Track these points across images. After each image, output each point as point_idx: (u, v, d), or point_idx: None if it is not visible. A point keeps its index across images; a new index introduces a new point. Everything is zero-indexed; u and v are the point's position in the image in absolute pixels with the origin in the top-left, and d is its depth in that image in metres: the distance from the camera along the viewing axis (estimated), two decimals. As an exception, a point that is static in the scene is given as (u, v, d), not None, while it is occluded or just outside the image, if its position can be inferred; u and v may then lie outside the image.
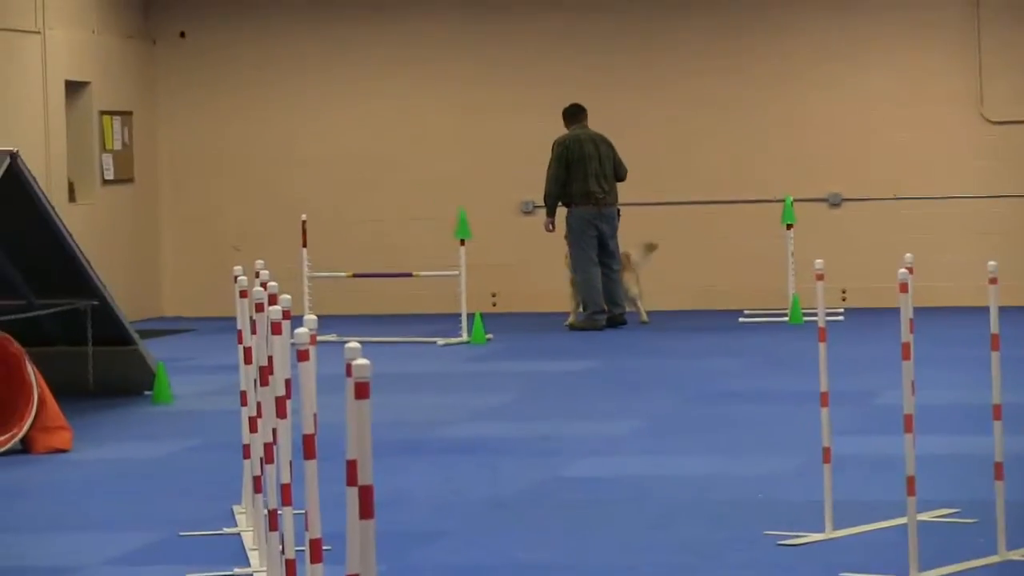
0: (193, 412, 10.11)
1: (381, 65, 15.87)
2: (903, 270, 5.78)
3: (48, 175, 14.12)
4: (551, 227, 14.09)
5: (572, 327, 13.92)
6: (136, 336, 10.55)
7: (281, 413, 5.06)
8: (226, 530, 6.74)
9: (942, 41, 15.23)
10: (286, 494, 5.02)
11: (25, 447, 8.81)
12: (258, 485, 6.00)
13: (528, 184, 15.63)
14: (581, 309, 13.99)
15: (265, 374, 5.42)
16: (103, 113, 15.26)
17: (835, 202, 15.46)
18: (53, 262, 10.13)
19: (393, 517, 6.84)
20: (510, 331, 13.98)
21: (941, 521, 6.56)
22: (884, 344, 11.99)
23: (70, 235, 10.09)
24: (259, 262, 6.72)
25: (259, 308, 5.73)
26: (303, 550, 4.61)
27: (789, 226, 14.47)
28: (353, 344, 3.47)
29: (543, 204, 14.29)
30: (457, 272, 13.64)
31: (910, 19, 15.27)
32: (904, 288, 5.71)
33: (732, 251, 15.44)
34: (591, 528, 6.68)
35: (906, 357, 5.60)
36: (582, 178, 13.83)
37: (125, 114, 15.61)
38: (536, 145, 15.61)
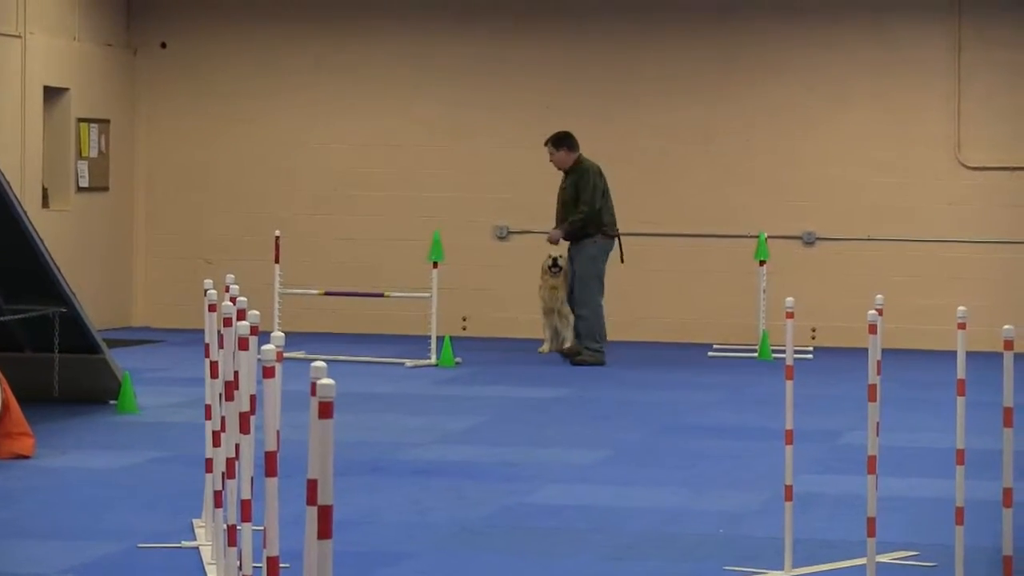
0: (157, 424, 10.06)
1: (361, 84, 15.87)
2: (872, 311, 5.80)
3: (23, 180, 14.07)
4: (558, 241, 13.42)
5: (575, 359, 13.31)
6: (103, 345, 10.50)
7: (244, 429, 5.04)
8: (185, 543, 6.71)
9: (923, 85, 15.31)
10: (246, 510, 4.99)
11: (-13, 452, 8.75)
12: (219, 500, 5.97)
13: (502, 209, 15.64)
14: (569, 341, 13.50)
15: (230, 389, 5.40)
16: (80, 120, 15.22)
17: (809, 240, 15.51)
18: (23, 267, 10.08)
19: (357, 538, 6.81)
20: (479, 355, 13.96)
21: (900, 563, 6.57)
22: (852, 384, 12.02)
23: (41, 241, 10.05)
24: (230, 276, 6.70)
25: (227, 323, 5.71)
26: (260, 567, 4.58)
27: (762, 262, 14.50)
28: (319, 363, 3.46)
29: (562, 226, 13.30)
30: (429, 294, 13.63)
31: (893, 61, 15.35)
32: (873, 329, 5.72)
33: (704, 285, 15.47)
34: (555, 556, 6.66)
35: (872, 398, 5.61)
36: (610, 209, 13.44)
37: (103, 122, 15.57)
38: (512, 171, 15.63)
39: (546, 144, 13.59)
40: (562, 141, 13.50)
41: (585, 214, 13.30)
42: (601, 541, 6.94)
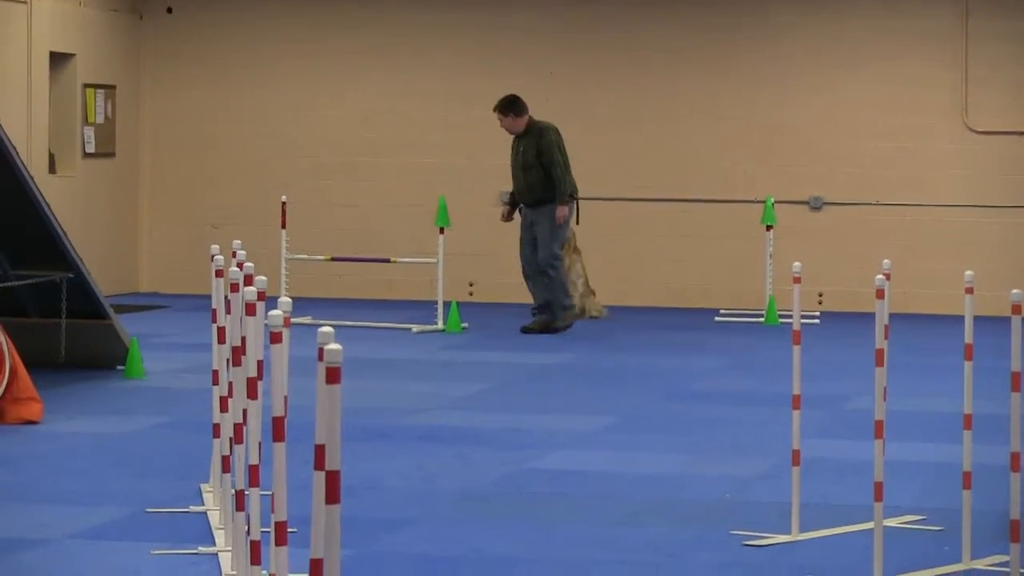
0: (164, 389, 10.08)
1: (368, 51, 15.83)
2: (880, 276, 5.79)
3: (29, 146, 14.06)
4: (510, 217, 13.05)
5: (553, 328, 13.10)
6: (110, 310, 10.51)
7: (252, 394, 5.04)
8: (193, 508, 6.73)
9: (930, 50, 15.26)
10: (254, 475, 5.00)
11: (-6, 418, 8.77)
12: (226, 465, 5.98)
13: (508, 175, 15.63)
14: (538, 310, 13.13)
15: (237, 354, 5.41)
16: (87, 86, 15.20)
17: (816, 205, 15.49)
18: (30, 233, 10.09)
19: (361, 503, 6.83)
20: (486, 321, 13.97)
21: (907, 527, 6.58)
22: (858, 349, 12.02)
23: (48, 206, 10.05)
24: (236, 242, 6.70)
25: (234, 288, 5.71)
26: (268, 531, 4.59)
27: (769, 227, 14.49)
28: (326, 328, 3.46)
29: (560, 199, 12.85)
30: (435, 260, 13.62)
31: (900, 27, 15.30)
32: (880, 294, 5.72)
33: (711, 250, 15.46)
34: (559, 522, 6.68)
35: (879, 363, 5.61)
36: (570, 170, 13.15)
37: (109, 88, 15.55)
38: (520, 136, 15.58)
39: (494, 110, 13.03)
40: (510, 105, 12.94)
41: (563, 171, 12.84)
42: (606, 507, 6.96)
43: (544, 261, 13.01)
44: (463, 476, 7.56)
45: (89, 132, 15.28)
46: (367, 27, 15.84)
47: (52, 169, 14.81)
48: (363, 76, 15.84)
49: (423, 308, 14.09)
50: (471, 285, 15.60)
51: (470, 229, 15.31)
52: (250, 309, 5.10)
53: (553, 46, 15.60)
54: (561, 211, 12.97)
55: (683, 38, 15.51)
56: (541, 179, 12.92)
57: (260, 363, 5.05)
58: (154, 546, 6.13)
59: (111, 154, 15.64)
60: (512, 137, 13.16)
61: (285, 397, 4.48)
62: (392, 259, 14.24)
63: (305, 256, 14.41)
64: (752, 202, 15.19)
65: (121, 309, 11.56)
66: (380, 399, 9.72)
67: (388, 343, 12.60)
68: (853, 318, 14.52)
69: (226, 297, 5.99)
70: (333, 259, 14.47)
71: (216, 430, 6.41)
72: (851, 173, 15.41)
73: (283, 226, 13.94)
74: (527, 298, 15.36)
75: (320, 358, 3.37)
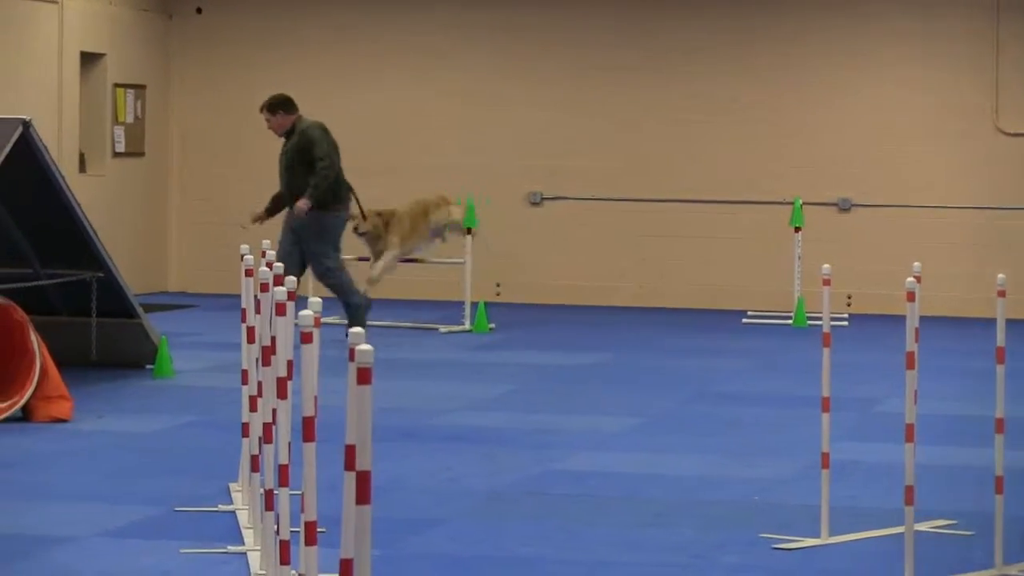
0: (193, 388, 10.11)
1: (394, 51, 15.85)
2: (911, 279, 5.77)
3: (60, 145, 14.12)
4: (305, 213, 11.98)
5: (356, 322, 12.17)
6: (140, 309, 10.55)
7: (282, 394, 5.05)
8: (221, 507, 6.74)
9: (961, 52, 15.20)
10: (283, 475, 5.01)
11: (25, 415, 8.81)
12: (255, 464, 5.99)
13: (536, 175, 15.62)
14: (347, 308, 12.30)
15: (267, 354, 5.42)
16: (117, 86, 15.25)
17: (845, 207, 15.44)
18: (60, 232, 10.12)
19: (388, 503, 6.83)
20: (513, 321, 13.97)
21: (938, 532, 6.55)
22: (887, 351, 11.97)
23: (79, 206, 10.08)
24: (266, 242, 6.71)
25: (264, 288, 5.72)
26: (297, 531, 4.60)
27: (797, 229, 14.45)
28: (357, 329, 3.46)
29: (307, 193, 11.90)
30: (463, 260, 13.63)
31: (929, 29, 15.24)
32: (911, 297, 5.69)
33: (739, 251, 15.42)
34: (586, 523, 6.67)
35: (910, 366, 5.59)
36: (342, 171, 12.24)
37: (139, 87, 15.60)
38: (546, 137, 15.59)
39: (261, 110, 12.37)
40: (278, 105, 12.22)
41: (327, 169, 12.04)
42: (632, 509, 6.95)
43: (319, 276, 12.22)
44: (490, 477, 7.55)
45: (119, 132, 15.33)
46: (393, 28, 15.85)
47: (83, 169, 14.87)
48: (390, 76, 15.85)
49: (450, 308, 14.10)
50: (498, 286, 15.60)
51: (497, 230, 15.30)
52: (280, 309, 5.10)
53: (579, 48, 15.59)
54: (298, 208, 12.04)
55: (710, 39, 15.47)
56: (303, 181, 12.11)
57: (290, 363, 5.06)
58: (183, 545, 6.15)
59: (140, 154, 15.69)
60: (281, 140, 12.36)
61: (315, 397, 4.49)
62: (419, 259, 14.25)
63: (333, 256, 14.40)
64: (780, 203, 15.15)
65: (149, 308, 11.58)
66: (407, 399, 9.73)
67: (415, 343, 12.61)
68: (882, 320, 14.46)
69: (256, 297, 6.00)
70: (360, 259, 14.48)
71: (245, 429, 6.42)
72: (880, 174, 15.36)
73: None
74: (553, 298, 15.35)
75: (351, 358, 3.38)
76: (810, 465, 7.56)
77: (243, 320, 6.47)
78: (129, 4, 15.47)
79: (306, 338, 4.49)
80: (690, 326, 14.14)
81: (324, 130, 12.27)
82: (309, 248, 12.17)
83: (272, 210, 12.49)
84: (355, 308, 12.28)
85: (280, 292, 5.09)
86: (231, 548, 6.11)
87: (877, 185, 15.37)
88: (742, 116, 15.44)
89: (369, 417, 3.37)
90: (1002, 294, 5.67)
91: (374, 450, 3.43)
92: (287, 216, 12.35)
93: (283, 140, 12.42)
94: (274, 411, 5.22)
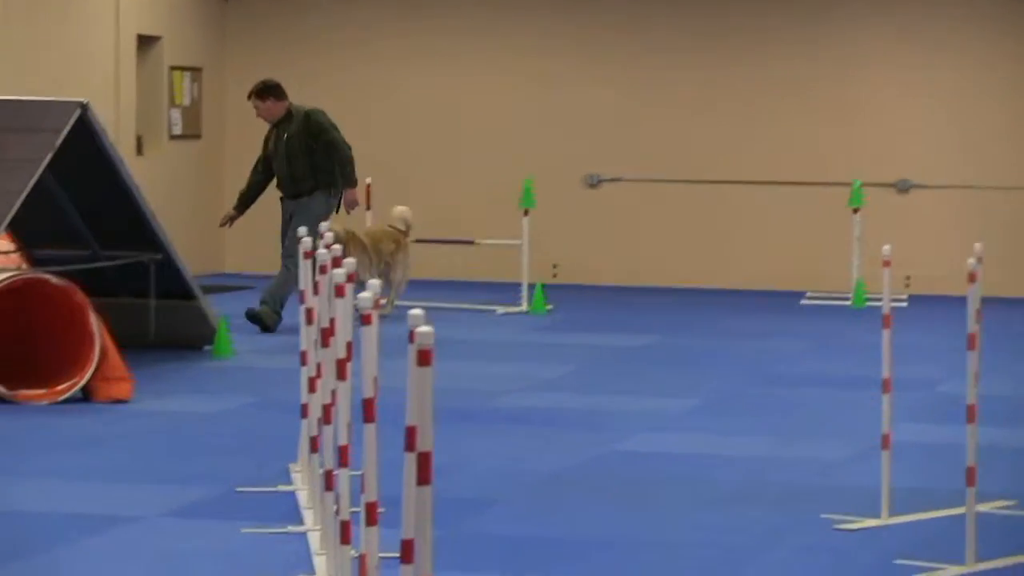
0: (252, 369, 10.16)
1: (454, 31, 15.83)
2: (972, 260, 5.72)
3: (117, 128, 14.20)
4: (232, 220, 11.88)
5: (266, 326, 11.62)
6: (199, 291, 10.60)
7: (341, 375, 5.06)
8: (282, 487, 6.77)
9: (1019, 32, 15.03)
10: (343, 455, 5.03)
11: (86, 395, 8.88)
12: (315, 445, 6.02)
13: (594, 157, 15.58)
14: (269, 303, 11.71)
15: (327, 336, 5.43)
16: (173, 68, 15.32)
17: (903, 188, 15.33)
18: (119, 214, 10.18)
19: (447, 484, 6.84)
20: (569, 303, 13.95)
21: (999, 512, 6.50)
22: (947, 333, 11.89)
23: (137, 188, 10.14)
24: (324, 224, 6.73)
25: (323, 270, 5.74)
26: (358, 511, 4.61)
27: (856, 210, 14.36)
28: (417, 311, 3.46)
29: (348, 182, 11.73)
30: (520, 241, 13.62)
31: (992, 10, 15.08)
32: (972, 278, 5.64)
33: (797, 233, 15.34)
34: (644, 505, 6.66)
35: (971, 347, 5.54)
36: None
37: (195, 70, 15.66)
38: (604, 118, 15.54)
39: (250, 96, 12.06)
40: (268, 91, 11.92)
41: (349, 151, 11.76)
42: (693, 490, 6.93)
43: (287, 253, 11.61)
44: (549, 458, 7.55)
45: (176, 114, 15.40)
46: (454, 7, 15.83)
47: (140, 151, 14.95)
48: (449, 56, 15.84)
49: (507, 290, 14.10)
50: (555, 267, 15.58)
51: (555, 211, 15.28)
52: (340, 291, 5.12)
53: (636, 29, 15.52)
54: (348, 199, 11.83)
55: (768, 21, 15.37)
56: (307, 167, 11.79)
57: (349, 344, 5.07)
58: (244, 524, 6.18)
59: (197, 136, 15.76)
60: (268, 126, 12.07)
61: (375, 378, 4.50)
62: (476, 240, 14.24)
63: (389, 237, 14.42)
64: (839, 184, 15.06)
65: (207, 289, 11.61)
66: (465, 380, 9.74)
67: (472, 324, 12.62)
68: (941, 301, 14.36)
69: (315, 279, 6.02)
70: (417, 240, 14.49)
71: (305, 410, 6.45)
72: (939, 155, 15.23)
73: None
74: (611, 279, 15.32)
75: (411, 340, 3.38)
76: (871, 446, 7.52)
77: (302, 302, 6.49)
78: (186, -13, 15.52)
79: (366, 320, 4.50)
80: (748, 307, 14.08)
81: (324, 113, 12.04)
82: (295, 222, 11.54)
83: (242, 207, 12.22)
84: (280, 307, 11.61)
85: (339, 274, 5.10)
86: (291, 528, 6.14)
87: (936, 166, 15.24)
88: (800, 98, 15.34)
89: (430, 398, 3.37)
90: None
91: (433, 431, 3.44)
92: (284, 204, 12.04)
93: (271, 128, 12.00)
94: (333, 392, 5.23)
